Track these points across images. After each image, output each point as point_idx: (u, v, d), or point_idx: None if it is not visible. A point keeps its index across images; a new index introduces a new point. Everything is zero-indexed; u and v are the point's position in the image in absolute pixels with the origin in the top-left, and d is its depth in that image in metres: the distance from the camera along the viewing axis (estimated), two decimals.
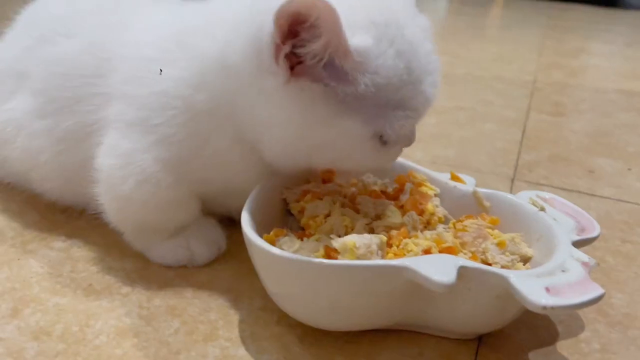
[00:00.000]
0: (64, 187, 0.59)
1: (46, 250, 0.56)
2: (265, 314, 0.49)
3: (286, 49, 0.40)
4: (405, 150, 0.50)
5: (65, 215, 0.62)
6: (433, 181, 0.55)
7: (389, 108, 0.44)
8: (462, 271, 0.39)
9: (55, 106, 0.55)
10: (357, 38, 0.41)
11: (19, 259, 0.54)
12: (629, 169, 0.86)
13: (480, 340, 0.47)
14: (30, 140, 0.57)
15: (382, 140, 0.45)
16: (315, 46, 0.40)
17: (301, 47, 0.39)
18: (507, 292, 0.40)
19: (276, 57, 0.41)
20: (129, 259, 0.55)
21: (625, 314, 0.51)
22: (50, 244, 0.57)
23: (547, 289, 0.38)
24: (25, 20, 0.64)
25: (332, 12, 0.38)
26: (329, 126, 0.44)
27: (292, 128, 0.45)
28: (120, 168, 0.49)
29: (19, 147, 0.58)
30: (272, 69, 0.42)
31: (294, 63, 0.41)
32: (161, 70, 0.49)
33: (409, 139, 0.49)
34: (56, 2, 0.63)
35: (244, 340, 0.46)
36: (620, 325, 0.50)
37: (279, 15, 0.38)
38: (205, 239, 0.56)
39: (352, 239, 0.42)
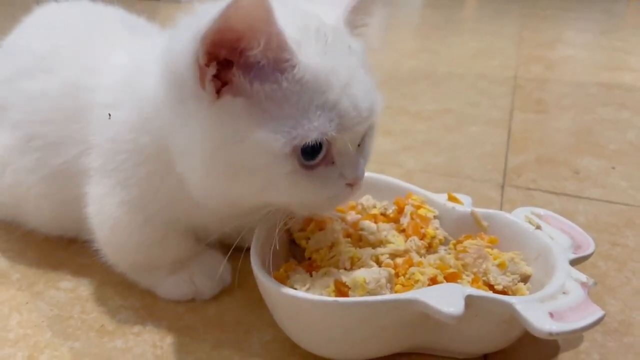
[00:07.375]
0: (57, 218, 0.59)
1: (53, 291, 0.57)
2: (277, 346, 0.50)
3: (212, 70, 0.39)
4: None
5: (67, 252, 0.62)
6: (431, 203, 0.57)
7: (310, 112, 0.40)
8: (468, 300, 0.41)
9: (41, 143, 0.54)
10: (287, 32, 0.39)
11: (27, 303, 0.55)
12: (613, 168, 0.88)
13: (486, 358, 0.49)
14: (18, 176, 0.56)
15: (305, 164, 0.42)
16: (257, 50, 0.38)
17: (245, 56, 0.39)
18: (513, 317, 0.42)
19: (202, 81, 0.39)
20: (137, 296, 0.56)
21: (620, 321, 0.54)
22: (57, 284, 0.58)
23: (551, 314, 0.40)
24: (4, 51, 0.63)
25: (263, 4, 0.36)
26: (243, 141, 0.40)
27: (208, 151, 0.41)
28: (97, 214, 0.51)
29: (4, 183, 0.58)
30: (197, 93, 0.40)
31: (219, 84, 0.40)
32: (110, 115, 0.49)
33: (349, 162, 0.44)
34: (34, 33, 0.62)
35: None
36: (616, 333, 0.52)
37: (205, 36, 0.36)
38: (208, 272, 0.56)
39: (361, 274, 0.44)
